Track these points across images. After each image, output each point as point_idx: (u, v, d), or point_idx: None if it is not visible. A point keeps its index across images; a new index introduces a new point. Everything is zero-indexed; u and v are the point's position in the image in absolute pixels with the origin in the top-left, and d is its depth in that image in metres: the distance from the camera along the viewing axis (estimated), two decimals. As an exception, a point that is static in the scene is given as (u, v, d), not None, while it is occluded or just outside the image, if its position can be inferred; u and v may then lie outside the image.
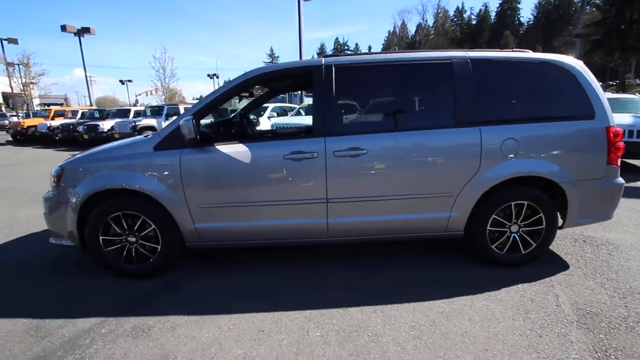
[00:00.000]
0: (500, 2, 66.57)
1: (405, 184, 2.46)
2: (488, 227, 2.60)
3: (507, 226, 2.63)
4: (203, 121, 2.64)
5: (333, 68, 2.43)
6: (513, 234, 2.65)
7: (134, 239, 2.58)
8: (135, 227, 2.54)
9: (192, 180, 2.42)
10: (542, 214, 2.58)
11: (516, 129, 2.45)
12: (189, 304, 2.28)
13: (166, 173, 2.42)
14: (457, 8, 72.47)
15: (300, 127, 7.64)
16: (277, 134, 4.08)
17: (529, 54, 2.58)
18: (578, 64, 2.57)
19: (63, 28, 23.92)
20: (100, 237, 2.55)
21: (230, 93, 2.51)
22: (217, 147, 2.43)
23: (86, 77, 25.08)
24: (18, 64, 29.47)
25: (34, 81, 30.33)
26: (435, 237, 2.64)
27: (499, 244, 2.66)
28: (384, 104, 2.57)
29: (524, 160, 2.46)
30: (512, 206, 2.57)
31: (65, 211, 2.53)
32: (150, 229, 2.54)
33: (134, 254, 2.60)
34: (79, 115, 17.82)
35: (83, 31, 24.46)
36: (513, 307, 2.19)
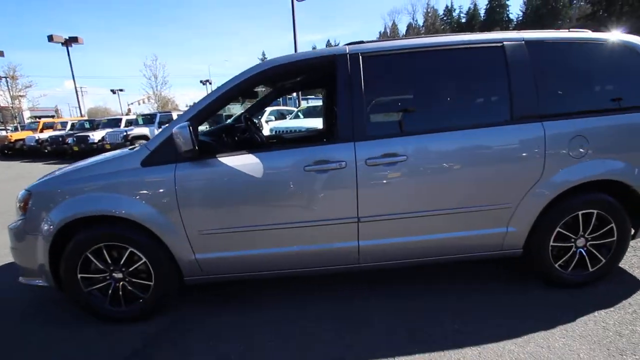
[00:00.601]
0: (488, 1, 66.84)
1: (453, 196, 2.00)
2: (551, 243, 2.16)
3: (572, 240, 2.19)
4: (202, 128, 2.17)
5: (360, 57, 1.97)
6: (579, 249, 2.21)
7: (120, 276, 2.09)
8: (122, 261, 2.06)
9: (191, 202, 1.95)
10: (613, 224, 2.14)
11: (584, 123, 2.01)
12: (193, 360, 1.80)
13: (158, 194, 1.94)
14: (447, 7, 72.80)
15: (306, 130, 7.18)
16: (287, 140, 3.61)
17: (591, 34, 2.15)
18: None
19: (50, 38, 23.32)
20: (79, 275, 2.06)
21: (234, 92, 2.04)
22: (220, 159, 1.95)
23: (75, 87, 24.43)
24: (5, 77, 28.72)
25: (21, 94, 29.59)
26: (488, 257, 2.19)
27: (563, 261, 2.22)
28: (422, 99, 2.11)
29: (596, 161, 2.02)
30: (580, 216, 2.13)
31: (34, 242, 2.05)
32: (140, 262, 2.06)
33: (120, 293, 2.11)
34: (68, 127, 17.27)
35: (71, 41, 23.88)
36: (601, 346, 1.74)
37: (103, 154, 2.46)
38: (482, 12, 70.39)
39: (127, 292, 2.12)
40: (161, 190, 1.94)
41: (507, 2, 68.03)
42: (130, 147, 2.34)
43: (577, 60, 2.07)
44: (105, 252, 2.04)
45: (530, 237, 2.14)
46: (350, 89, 1.94)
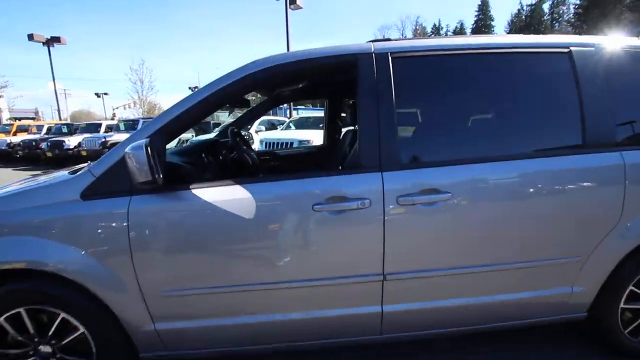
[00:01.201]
0: (475, 19, 69.21)
1: (510, 247, 1.51)
2: (621, 304, 1.69)
3: (646, 300, 1.72)
4: (187, 135, 1.61)
5: (389, 58, 1.48)
6: (652, 312, 1.75)
7: (49, 350, 1.49)
8: (52, 331, 1.46)
9: (150, 251, 1.38)
10: (696, 282, 1.69)
11: (673, 154, 1.57)
12: None
13: (102, 239, 1.37)
14: (434, 25, 74.80)
15: (299, 143, 6.65)
16: (282, 157, 3.06)
17: None
18: None
19: (30, 37, 22.33)
20: (-12, 349, 1.46)
21: (218, 99, 1.50)
22: (196, 191, 1.40)
23: (55, 89, 23.37)
24: (-22, 76, 27.27)
25: (-4, 94, 28.17)
26: (545, 323, 1.70)
27: (633, 327, 1.74)
28: (470, 118, 1.62)
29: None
30: (658, 272, 1.67)
31: None
32: (77, 333, 1.46)
33: (49, 373, 1.51)
34: (44, 130, 16.32)
35: (52, 40, 22.91)
36: None
37: (37, 177, 1.85)
38: (468, 31, 72.73)
39: (57, 372, 1.51)
40: (107, 234, 1.37)
41: (492, 23, 70.62)
42: (71, 169, 1.74)
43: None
44: (26, 318, 1.44)
45: (597, 297, 1.66)
46: (376, 99, 1.44)
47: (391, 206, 1.40)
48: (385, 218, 1.40)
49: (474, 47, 1.54)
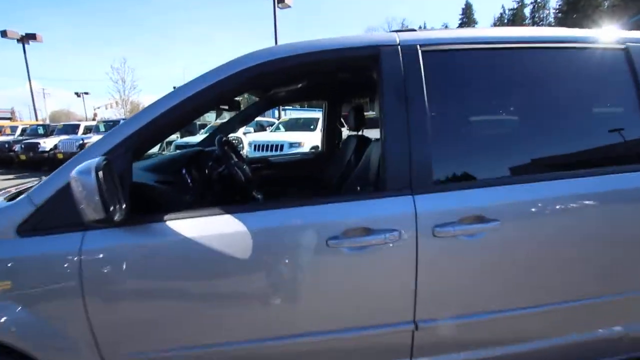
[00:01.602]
0: (459, 22, 70.59)
1: (567, 283, 1.24)
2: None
3: None
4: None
5: (419, 51, 1.19)
6: None
7: None
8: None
9: (111, 303, 1.04)
10: None
11: None
12: None
13: (45, 289, 1.02)
14: (420, 27, 75.90)
15: (289, 145, 6.29)
16: (274, 165, 2.72)
17: None
18: None
19: (4, 34, 21.22)
20: None
21: (204, 101, 1.17)
22: (172, 224, 1.07)
23: (30, 87, 22.27)
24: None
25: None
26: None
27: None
28: (518, 126, 1.33)
29: None
30: None
31: None
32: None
33: None
34: (18, 132, 15.49)
35: (28, 37, 21.88)
36: None
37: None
38: (454, 34, 73.97)
39: None
40: (52, 283, 1.02)
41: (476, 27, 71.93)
42: (8, 194, 1.35)
43: None
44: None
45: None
46: (405, 103, 1.14)
47: (426, 238, 1.10)
48: (419, 253, 1.10)
49: (524, 40, 1.25)
